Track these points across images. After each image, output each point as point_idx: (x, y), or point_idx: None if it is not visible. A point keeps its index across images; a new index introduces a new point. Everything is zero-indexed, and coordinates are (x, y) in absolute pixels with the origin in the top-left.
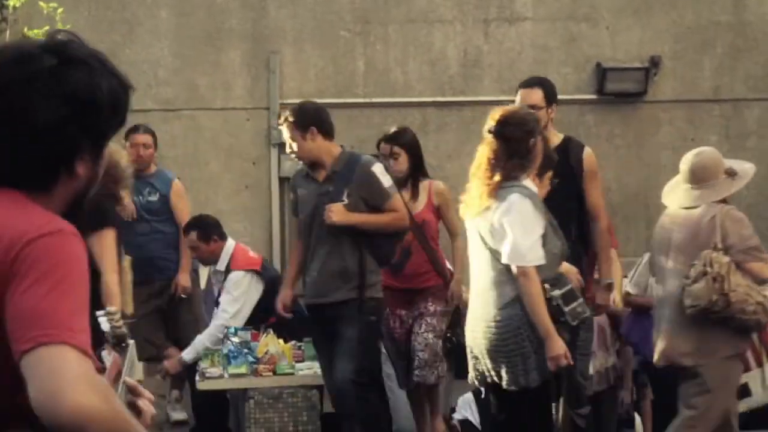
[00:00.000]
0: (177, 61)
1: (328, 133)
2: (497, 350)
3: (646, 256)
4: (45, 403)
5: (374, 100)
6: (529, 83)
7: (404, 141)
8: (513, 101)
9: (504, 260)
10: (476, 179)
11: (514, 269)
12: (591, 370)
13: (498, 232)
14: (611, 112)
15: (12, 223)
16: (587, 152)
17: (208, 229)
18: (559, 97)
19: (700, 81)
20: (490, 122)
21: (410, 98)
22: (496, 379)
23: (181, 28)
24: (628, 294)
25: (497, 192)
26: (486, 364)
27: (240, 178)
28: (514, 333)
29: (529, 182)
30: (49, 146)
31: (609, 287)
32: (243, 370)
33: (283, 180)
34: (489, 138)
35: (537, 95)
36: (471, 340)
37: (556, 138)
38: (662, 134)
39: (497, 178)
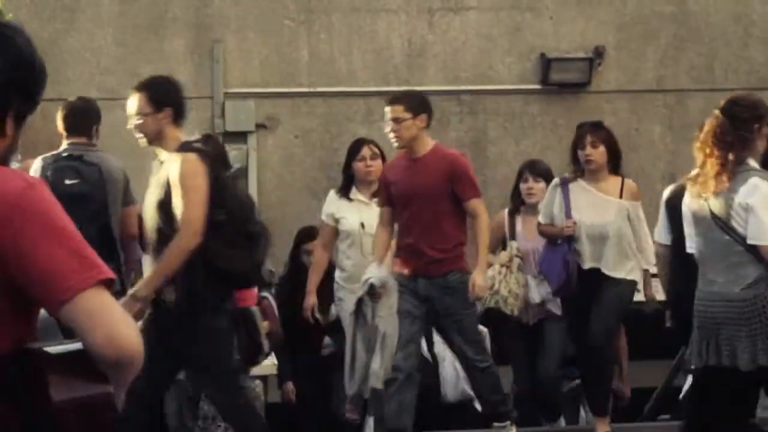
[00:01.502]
0: (120, 49)
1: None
2: (738, 329)
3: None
4: (104, 347)
5: (318, 89)
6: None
7: None
8: (458, 91)
9: (751, 240)
10: (708, 158)
11: (762, 249)
12: None
13: (740, 214)
14: (555, 102)
15: None
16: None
17: None
18: (504, 86)
19: (643, 71)
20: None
21: (354, 88)
22: (726, 360)
23: (124, 16)
24: (539, 224)
25: (736, 174)
26: (719, 343)
27: None
28: (759, 312)
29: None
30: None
31: None
32: None
33: None
34: (717, 114)
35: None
36: (704, 321)
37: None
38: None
39: (731, 157)
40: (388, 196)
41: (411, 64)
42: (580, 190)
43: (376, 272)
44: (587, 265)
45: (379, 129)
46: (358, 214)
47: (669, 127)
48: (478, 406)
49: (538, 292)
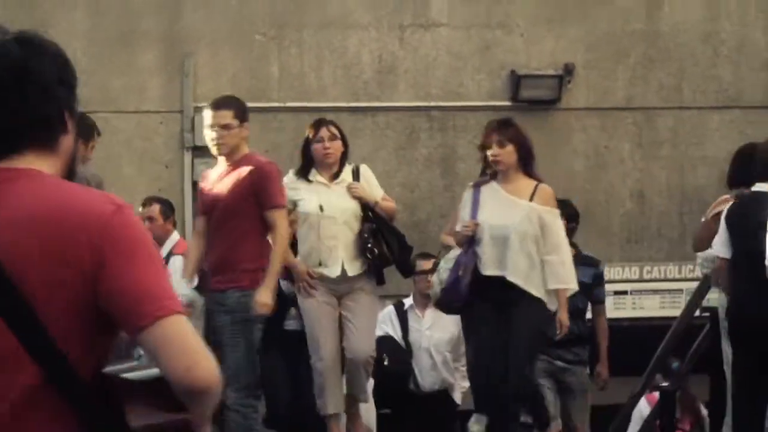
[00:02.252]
0: (91, 62)
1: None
2: None
3: None
4: (184, 376)
5: (288, 104)
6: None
7: None
8: (428, 107)
9: None
10: None
11: None
12: None
13: None
14: (525, 119)
15: (68, 204)
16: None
17: (170, 208)
18: (474, 103)
19: (613, 89)
20: None
21: (324, 103)
22: None
23: (96, 29)
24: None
25: None
26: None
27: (153, 182)
28: None
29: None
30: (54, 100)
31: None
32: None
33: (195, 184)
34: None
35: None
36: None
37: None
38: (576, 142)
39: None
40: (201, 204)
41: (381, 80)
42: (490, 191)
43: (183, 290)
44: (488, 270)
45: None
46: (317, 196)
47: (638, 145)
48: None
49: None
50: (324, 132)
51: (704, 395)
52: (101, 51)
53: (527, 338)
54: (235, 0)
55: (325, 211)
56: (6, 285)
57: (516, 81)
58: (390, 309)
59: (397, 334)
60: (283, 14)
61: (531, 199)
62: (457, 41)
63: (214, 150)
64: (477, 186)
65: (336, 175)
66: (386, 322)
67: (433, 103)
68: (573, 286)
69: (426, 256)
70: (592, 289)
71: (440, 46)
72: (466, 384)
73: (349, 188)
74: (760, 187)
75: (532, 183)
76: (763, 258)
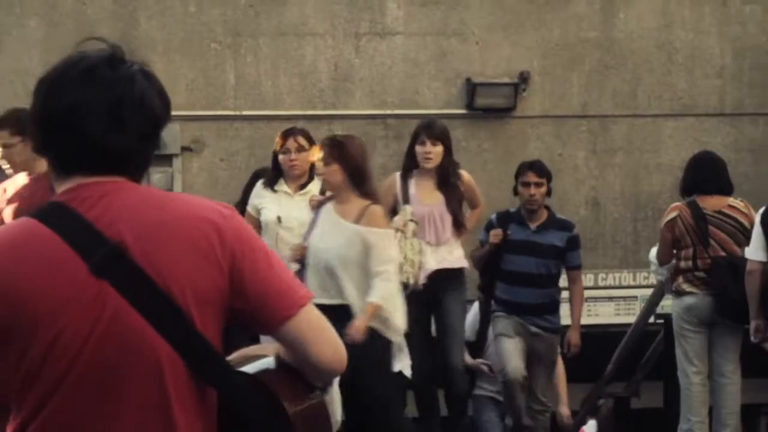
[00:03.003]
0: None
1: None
2: None
3: None
4: (332, 358)
5: (244, 113)
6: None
7: None
8: (384, 115)
9: None
10: None
11: None
12: None
13: None
14: (481, 126)
15: (192, 209)
16: None
17: None
18: (429, 111)
19: (568, 97)
20: None
21: (281, 111)
22: None
23: (50, 38)
24: None
25: None
26: None
27: None
28: None
29: None
30: (156, 138)
31: None
32: None
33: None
34: None
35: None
36: None
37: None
38: (531, 149)
39: None
40: None
41: (337, 88)
42: (325, 212)
43: None
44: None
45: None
46: (278, 206)
47: (593, 152)
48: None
49: (434, 258)
50: (291, 143)
51: (659, 402)
52: (56, 60)
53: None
54: (191, 8)
55: (282, 222)
56: (158, 293)
57: (471, 89)
58: None
59: None
60: (239, 22)
61: (358, 221)
62: (412, 49)
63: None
64: (320, 205)
65: (302, 186)
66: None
67: (389, 111)
68: (386, 302)
69: None
70: (565, 253)
71: (396, 54)
72: None
73: (310, 200)
74: None
75: (363, 204)
76: None
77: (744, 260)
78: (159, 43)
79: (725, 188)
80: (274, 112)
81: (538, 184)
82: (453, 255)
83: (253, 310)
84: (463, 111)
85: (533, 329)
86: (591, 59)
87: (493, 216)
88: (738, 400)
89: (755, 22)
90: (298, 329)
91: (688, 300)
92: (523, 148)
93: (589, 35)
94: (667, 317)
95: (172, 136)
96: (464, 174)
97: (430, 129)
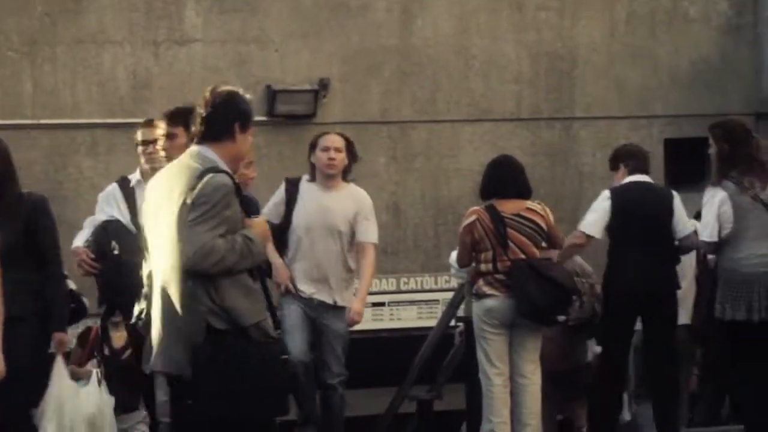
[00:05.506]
0: None
1: None
2: None
3: None
4: None
5: (42, 121)
6: None
7: None
8: None
9: None
10: None
11: None
12: None
13: None
14: (281, 133)
15: None
16: None
17: None
18: None
19: (368, 103)
20: None
21: (79, 119)
22: None
23: None
24: None
25: None
26: None
27: None
28: None
29: None
30: None
31: None
32: None
33: None
34: None
35: None
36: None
37: None
38: None
39: None
40: None
41: (136, 95)
42: None
43: None
44: None
45: (104, 161)
46: None
47: (393, 158)
48: None
49: None
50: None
51: (461, 404)
52: None
53: None
54: None
55: None
56: None
57: (272, 96)
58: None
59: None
60: (36, 30)
61: None
62: (211, 56)
63: None
64: None
65: None
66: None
67: None
68: None
69: None
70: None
71: (195, 61)
72: None
73: None
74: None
75: None
76: None
77: (542, 261)
78: None
79: (523, 192)
80: (73, 120)
81: None
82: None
83: None
84: (264, 118)
85: None
86: (390, 66)
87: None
88: (538, 400)
89: (550, 28)
90: None
91: (489, 302)
92: None
93: (387, 42)
94: (467, 320)
95: None
96: None
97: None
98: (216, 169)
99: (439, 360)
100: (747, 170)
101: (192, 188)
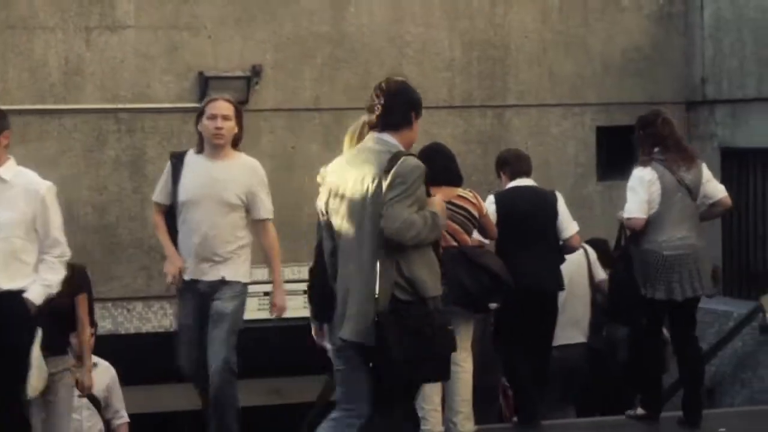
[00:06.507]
0: None
1: None
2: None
3: None
4: None
5: None
6: None
7: None
8: (116, 109)
9: None
10: None
11: None
12: None
13: None
14: None
15: None
16: None
17: None
18: (162, 105)
19: (300, 90)
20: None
21: (10, 106)
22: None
23: None
24: None
25: None
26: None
27: None
28: None
29: None
30: None
31: None
32: None
33: None
34: None
35: None
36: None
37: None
38: (264, 143)
39: None
40: None
41: (68, 82)
42: None
43: None
44: None
45: (35, 149)
46: None
47: (326, 145)
48: None
49: None
50: None
51: None
52: None
53: None
54: None
55: None
56: None
57: (204, 82)
58: None
59: None
60: None
61: None
62: (144, 43)
63: None
64: None
65: None
66: None
67: (120, 105)
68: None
69: None
70: None
71: (127, 47)
72: None
73: None
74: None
75: None
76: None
77: (474, 249)
78: None
79: (454, 179)
80: (4, 106)
81: None
82: None
83: None
84: (196, 105)
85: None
86: (323, 53)
87: None
88: (470, 387)
89: (483, 16)
90: None
91: None
92: (257, 141)
93: (320, 29)
94: None
95: None
96: None
97: None
98: (406, 153)
99: None
100: (665, 149)
101: (387, 170)
